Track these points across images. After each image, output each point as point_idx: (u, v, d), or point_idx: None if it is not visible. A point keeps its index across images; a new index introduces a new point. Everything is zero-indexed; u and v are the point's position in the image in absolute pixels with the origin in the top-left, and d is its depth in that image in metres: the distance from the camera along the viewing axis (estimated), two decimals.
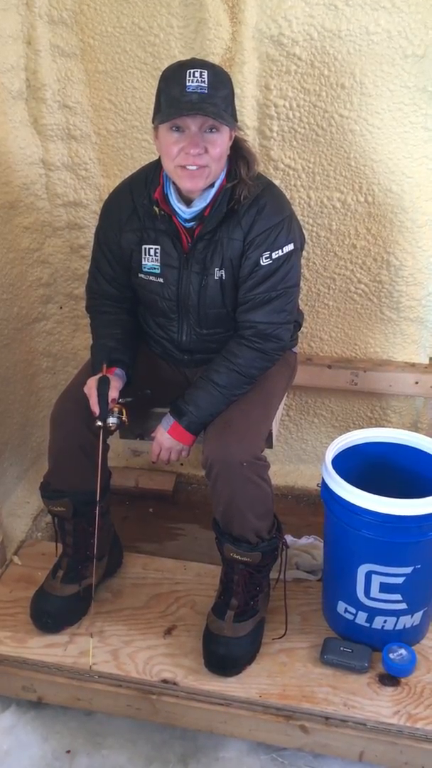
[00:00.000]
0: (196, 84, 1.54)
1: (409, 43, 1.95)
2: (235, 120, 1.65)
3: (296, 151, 2.15)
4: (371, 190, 2.15)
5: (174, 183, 1.68)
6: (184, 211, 1.70)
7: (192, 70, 1.54)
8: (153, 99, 1.62)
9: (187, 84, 1.54)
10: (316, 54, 2.00)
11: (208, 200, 1.69)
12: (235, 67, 2.02)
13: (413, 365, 2.36)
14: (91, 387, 1.71)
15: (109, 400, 1.68)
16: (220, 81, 1.58)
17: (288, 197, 1.82)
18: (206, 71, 1.55)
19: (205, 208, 1.70)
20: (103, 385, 1.70)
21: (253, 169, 1.72)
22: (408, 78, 1.99)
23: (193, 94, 1.53)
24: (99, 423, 1.67)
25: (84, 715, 1.86)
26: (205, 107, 1.54)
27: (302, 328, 2.14)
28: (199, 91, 1.54)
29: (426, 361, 2.38)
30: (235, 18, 2.00)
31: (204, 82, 1.54)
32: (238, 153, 1.72)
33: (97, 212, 1.92)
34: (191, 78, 1.54)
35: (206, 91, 1.54)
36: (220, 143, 1.61)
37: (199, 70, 1.54)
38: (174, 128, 1.59)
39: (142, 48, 2.10)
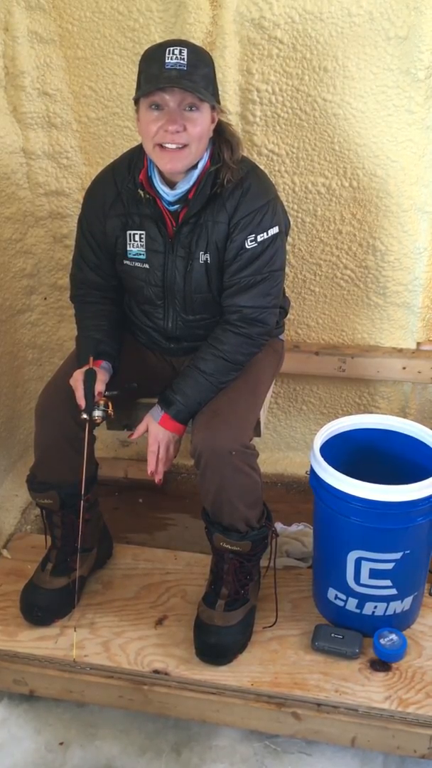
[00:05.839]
0: (176, 61, 1.53)
1: (392, 24, 1.93)
2: (217, 101, 1.64)
3: (279, 136, 2.13)
4: (356, 174, 2.14)
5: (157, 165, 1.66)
6: (167, 194, 1.68)
7: (172, 48, 1.54)
8: (134, 85, 1.60)
9: (166, 61, 1.53)
10: (297, 37, 1.98)
11: (191, 182, 1.67)
12: (216, 51, 1.99)
13: (400, 350, 2.36)
14: (77, 380, 1.70)
15: (95, 393, 1.67)
16: (200, 60, 1.57)
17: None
18: (186, 49, 1.54)
19: (189, 190, 1.68)
20: (90, 378, 1.68)
21: (237, 152, 1.71)
22: (391, 60, 1.97)
23: (171, 71, 1.52)
24: (84, 416, 1.66)
25: (76, 706, 1.86)
26: (183, 83, 1.52)
27: (289, 315, 2.12)
28: (178, 67, 1.52)
29: (413, 346, 2.38)
30: (215, 1, 1.97)
31: (183, 59, 1.53)
32: (222, 136, 1.70)
33: (80, 201, 1.90)
34: (170, 55, 1.53)
35: (185, 68, 1.53)
36: (200, 122, 1.59)
37: (178, 48, 1.54)
38: (153, 106, 1.57)
39: (122, 33, 2.07)
